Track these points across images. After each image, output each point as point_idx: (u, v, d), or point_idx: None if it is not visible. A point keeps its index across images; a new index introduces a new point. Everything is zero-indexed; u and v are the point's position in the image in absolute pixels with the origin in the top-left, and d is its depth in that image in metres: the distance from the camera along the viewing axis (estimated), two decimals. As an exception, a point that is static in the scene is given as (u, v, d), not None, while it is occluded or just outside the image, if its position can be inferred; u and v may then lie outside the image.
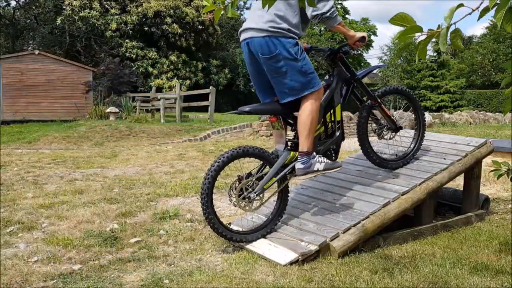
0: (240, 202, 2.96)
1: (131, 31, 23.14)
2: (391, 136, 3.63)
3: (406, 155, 3.68)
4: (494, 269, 2.64)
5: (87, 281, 2.48)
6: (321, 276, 2.54)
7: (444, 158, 3.67)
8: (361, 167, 3.83)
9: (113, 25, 23.19)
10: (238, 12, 31.85)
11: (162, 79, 23.66)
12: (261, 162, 3.08)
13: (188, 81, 24.39)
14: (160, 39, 23.85)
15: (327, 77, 3.27)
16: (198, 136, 11.38)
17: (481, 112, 18.38)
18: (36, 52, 19.01)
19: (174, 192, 4.58)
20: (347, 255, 2.85)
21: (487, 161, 4.17)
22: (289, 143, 3.13)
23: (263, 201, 3.02)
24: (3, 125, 15.30)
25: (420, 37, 1.38)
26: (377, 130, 3.57)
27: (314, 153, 3.02)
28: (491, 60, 33.34)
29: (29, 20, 28.23)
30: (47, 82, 18.52)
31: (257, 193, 2.96)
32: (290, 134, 3.19)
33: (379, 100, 3.44)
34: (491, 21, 35.90)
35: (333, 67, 3.26)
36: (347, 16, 34.70)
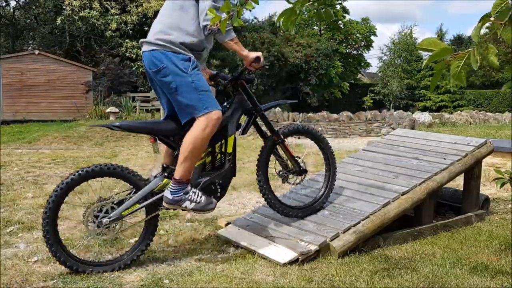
0: (90, 226, 2.60)
1: (131, 31, 23.12)
2: (298, 181, 3.25)
3: (315, 201, 3.26)
4: (494, 269, 2.64)
5: (87, 281, 2.48)
6: (321, 276, 2.54)
7: (444, 158, 3.67)
8: (361, 167, 3.83)
9: (113, 25, 23.19)
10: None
11: (162, 79, 23.60)
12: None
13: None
14: (160, 39, 23.83)
15: (225, 103, 2.95)
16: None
17: (481, 112, 18.38)
18: (36, 52, 19.00)
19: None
20: (347, 255, 2.84)
21: (487, 161, 4.17)
22: (167, 169, 2.78)
23: (120, 229, 2.70)
24: (3, 125, 15.30)
25: (451, 60, 1.34)
26: (280, 173, 3.21)
27: (189, 187, 2.67)
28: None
29: (29, 20, 28.21)
30: (47, 82, 18.51)
31: (111, 219, 2.60)
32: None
33: (282, 137, 3.10)
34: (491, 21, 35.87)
35: (234, 94, 2.99)
36: (346, 16, 34.65)
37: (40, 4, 26.67)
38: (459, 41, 37.39)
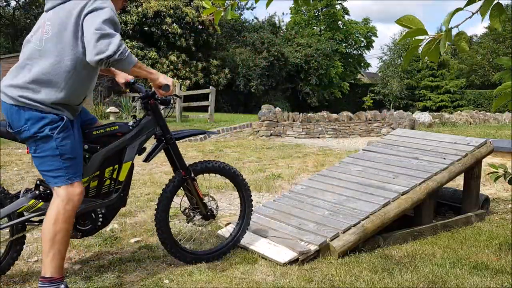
0: None
1: (131, 31, 23.12)
2: (203, 224, 2.86)
3: (224, 246, 2.91)
4: (494, 269, 2.64)
5: (87, 281, 2.48)
6: (321, 276, 2.54)
7: (444, 158, 3.67)
8: (361, 167, 3.83)
9: (113, 25, 23.16)
10: (239, 12, 31.85)
11: (162, 79, 23.61)
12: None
13: (188, 81, 24.39)
14: (160, 39, 23.85)
15: (131, 122, 2.54)
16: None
17: (481, 112, 18.38)
18: (36, 52, 19.01)
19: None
20: (347, 255, 2.85)
21: (487, 161, 4.17)
22: (41, 188, 2.37)
23: None
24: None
25: (425, 40, 1.38)
26: (186, 211, 2.80)
27: (64, 283, 2.20)
28: (490, 60, 33.34)
29: (29, 20, 28.21)
30: (47, 82, 18.52)
31: None
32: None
33: (192, 175, 2.70)
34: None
35: (144, 114, 2.61)
36: (346, 16, 34.66)
37: (40, 4, 26.67)
38: (459, 41, 37.29)
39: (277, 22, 30.97)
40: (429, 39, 1.38)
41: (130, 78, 2.69)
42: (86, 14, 2.09)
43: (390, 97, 32.64)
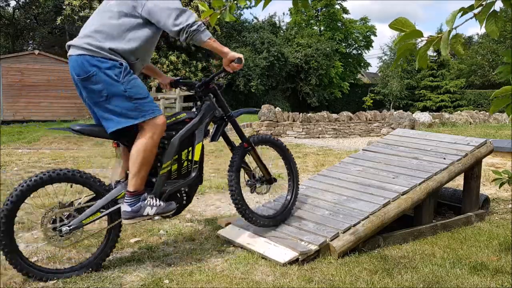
0: (48, 234, 2.47)
1: (131, 31, 23.13)
2: (265, 190, 3.17)
3: (284, 209, 3.20)
4: (494, 269, 2.64)
5: (87, 281, 2.48)
6: (321, 276, 2.54)
7: (444, 158, 3.67)
8: (361, 167, 3.83)
9: (113, 25, 23.15)
10: (238, 12, 31.82)
11: (162, 79, 23.62)
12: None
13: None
14: (160, 39, 23.85)
15: (193, 109, 2.89)
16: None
17: (481, 112, 18.38)
18: (36, 52, 19.00)
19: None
20: (347, 255, 2.85)
21: (487, 161, 4.18)
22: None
23: (80, 238, 2.59)
24: (3, 125, 15.30)
25: (420, 42, 1.37)
26: (249, 182, 3.11)
27: (146, 194, 2.59)
28: (490, 60, 33.35)
29: (29, 20, 28.21)
30: (47, 82, 18.52)
31: (72, 227, 2.49)
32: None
33: (253, 144, 3.03)
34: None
35: (203, 99, 2.89)
36: (345, 15, 34.65)
37: (40, 4, 26.68)
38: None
39: (277, 22, 30.97)
40: (425, 41, 1.37)
41: (173, 78, 3.00)
42: None
43: (390, 97, 32.63)
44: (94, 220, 2.57)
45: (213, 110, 2.89)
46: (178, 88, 3.07)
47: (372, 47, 36.69)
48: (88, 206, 2.57)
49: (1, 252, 2.40)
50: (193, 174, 2.80)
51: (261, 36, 27.08)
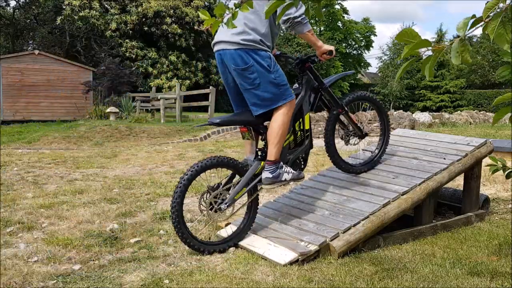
0: (212, 214, 2.94)
1: (131, 31, 23.13)
2: (356, 142, 3.67)
3: (371, 160, 3.71)
4: (494, 269, 2.64)
5: (87, 281, 2.48)
6: (321, 276, 2.54)
7: (444, 158, 3.67)
8: (361, 167, 3.82)
9: (113, 25, 23.18)
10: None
11: (162, 79, 23.67)
12: (230, 172, 3.06)
13: (188, 81, 24.40)
14: (160, 39, 23.85)
15: (296, 85, 3.26)
16: (198, 136, 11.38)
17: (481, 112, 18.38)
18: (36, 52, 19.01)
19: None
20: (347, 255, 2.85)
21: (487, 161, 4.17)
22: (259, 153, 3.12)
23: (234, 211, 3.02)
24: (3, 125, 15.29)
25: (426, 52, 1.34)
26: (343, 136, 3.60)
27: (282, 163, 3.02)
28: (490, 60, 33.35)
29: (29, 20, 28.21)
30: (47, 82, 18.53)
31: (227, 204, 2.94)
32: (261, 143, 3.16)
33: (346, 108, 3.43)
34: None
35: (301, 75, 3.26)
36: (345, 15, 34.64)
37: (40, 4, 26.69)
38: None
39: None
40: (434, 49, 1.34)
41: (276, 51, 3.29)
42: None
43: (390, 97, 32.64)
44: (242, 195, 2.98)
45: (311, 84, 3.26)
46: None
47: (372, 47, 36.73)
48: (232, 185, 3.00)
49: (0, 252, 2.40)
50: (306, 142, 3.23)
51: (261, 36, 27.08)
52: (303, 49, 27.71)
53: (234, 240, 3.02)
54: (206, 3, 25.50)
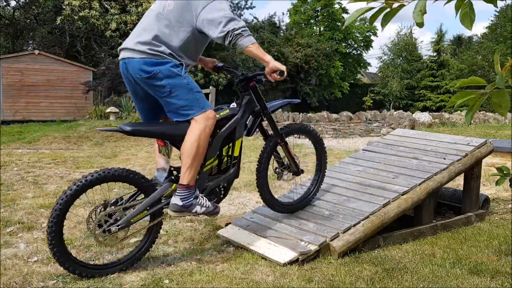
0: (98, 235, 2.52)
1: (131, 31, 23.12)
2: (290, 178, 3.29)
3: (304, 198, 3.33)
4: (494, 269, 2.64)
5: (87, 281, 2.48)
6: (321, 276, 2.54)
7: (444, 158, 3.67)
8: (361, 167, 3.83)
9: (113, 25, 23.16)
10: (238, 12, 31.79)
11: (162, 79, 23.61)
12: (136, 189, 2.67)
13: (188, 81, 24.36)
14: (160, 39, 23.83)
15: (233, 104, 2.93)
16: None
17: (481, 112, 18.37)
18: (36, 52, 19.00)
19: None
20: (347, 255, 2.85)
21: (487, 161, 4.18)
22: (174, 173, 2.75)
23: (127, 235, 2.64)
24: (3, 125, 15.29)
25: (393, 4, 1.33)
26: (277, 169, 3.24)
27: (197, 191, 2.67)
28: (490, 60, 33.31)
29: (29, 20, 28.20)
30: (47, 82, 18.52)
31: (120, 226, 2.55)
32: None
33: (285, 139, 3.12)
34: (491, 20, 35.91)
35: (243, 95, 2.94)
36: (344, 15, 34.62)
37: (40, 4, 26.68)
38: (459, 41, 37.36)
39: (277, 22, 30.97)
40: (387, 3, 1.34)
41: (218, 63, 3.09)
42: (207, 5, 2.60)
43: (390, 97, 32.63)
44: (141, 219, 2.64)
45: (252, 106, 2.96)
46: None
47: (372, 47, 36.69)
48: (135, 204, 2.62)
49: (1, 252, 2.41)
50: (232, 170, 2.89)
51: (261, 36, 27.09)
52: (303, 49, 27.69)
53: (121, 266, 2.61)
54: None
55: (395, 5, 1.30)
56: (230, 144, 2.84)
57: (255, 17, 37.93)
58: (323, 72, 28.40)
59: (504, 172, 2.61)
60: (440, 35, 34.13)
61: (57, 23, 23.67)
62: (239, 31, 2.56)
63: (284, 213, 3.23)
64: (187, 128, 2.61)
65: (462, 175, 3.81)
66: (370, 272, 2.59)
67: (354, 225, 2.95)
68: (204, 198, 2.70)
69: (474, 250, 3.00)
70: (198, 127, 2.58)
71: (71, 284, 2.44)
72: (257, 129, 3.07)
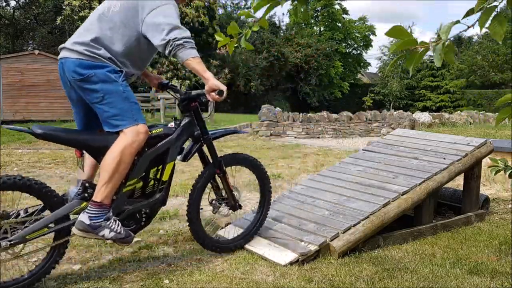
0: None
1: (131, 31, 23.13)
2: (226, 213, 2.99)
3: (243, 237, 3.01)
4: (494, 269, 2.64)
5: (87, 281, 2.48)
6: (321, 276, 2.54)
7: (444, 158, 3.67)
8: (361, 167, 3.83)
9: (113, 25, 23.16)
10: (238, 12, 31.79)
11: (162, 79, 23.68)
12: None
13: (187, 81, 24.40)
14: (160, 39, 23.85)
15: (172, 124, 2.68)
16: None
17: (481, 112, 18.38)
18: (36, 52, 18.99)
19: (174, 192, 4.58)
20: (347, 255, 2.85)
21: (487, 161, 4.17)
22: (88, 190, 2.45)
23: (18, 252, 2.29)
24: (3, 125, 15.31)
25: (414, 49, 1.38)
26: (214, 201, 2.93)
27: (111, 213, 2.37)
28: (490, 60, 33.34)
29: (28, 20, 28.21)
30: (47, 82, 18.51)
31: (12, 242, 2.22)
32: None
33: (224, 170, 2.85)
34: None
35: (183, 115, 2.71)
36: (345, 16, 34.64)
37: (40, 4, 26.68)
38: (459, 41, 37.37)
39: (277, 22, 30.99)
40: (421, 49, 1.38)
41: (163, 79, 2.86)
42: (154, 9, 2.42)
43: (390, 97, 32.64)
44: (40, 236, 2.32)
45: (192, 129, 2.71)
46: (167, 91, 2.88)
47: (372, 46, 36.70)
48: (36, 219, 2.31)
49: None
50: (158, 195, 2.58)
51: (261, 36, 27.10)
52: (303, 49, 27.70)
53: (18, 286, 2.31)
54: (206, 3, 25.50)
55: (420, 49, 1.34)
56: (160, 167, 2.56)
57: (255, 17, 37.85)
58: (323, 72, 28.42)
59: (506, 165, 2.61)
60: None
61: (57, 23, 23.68)
62: (181, 41, 2.36)
63: (216, 252, 2.90)
64: (114, 141, 2.36)
65: (462, 175, 3.81)
66: (370, 272, 2.59)
67: (354, 225, 2.95)
68: (117, 222, 2.39)
69: (474, 250, 3.00)
70: (125, 141, 2.34)
71: (71, 284, 2.44)
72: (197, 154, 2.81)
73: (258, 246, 2.93)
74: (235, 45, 1.93)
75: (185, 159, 2.73)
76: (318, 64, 27.70)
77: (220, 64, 25.79)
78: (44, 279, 2.43)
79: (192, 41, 2.42)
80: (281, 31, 31.09)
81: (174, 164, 2.63)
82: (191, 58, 2.40)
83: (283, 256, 2.75)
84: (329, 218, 3.10)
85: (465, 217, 3.67)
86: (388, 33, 1.36)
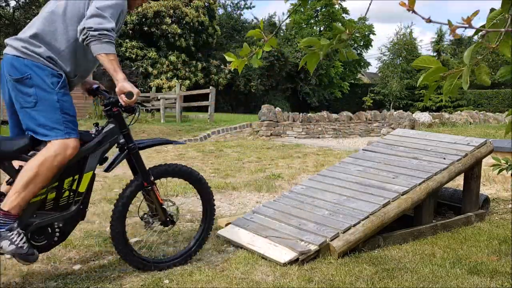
0: None
1: (130, 31, 23.11)
2: (158, 229, 2.77)
3: (181, 255, 2.77)
4: (494, 269, 2.64)
5: (87, 281, 2.48)
6: (321, 276, 2.54)
7: (444, 158, 3.67)
8: (361, 167, 3.83)
9: (113, 25, 23.17)
10: (238, 12, 31.81)
11: (161, 79, 23.69)
12: None
13: (187, 81, 24.40)
14: (160, 39, 23.85)
15: (93, 130, 2.45)
16: (198, 136, 11.37)
17: (481, 112, 18.38)
18: (36, 52, 18.98)
19: (174, 192, 4.58)
20: (347, 255, 2.85)
21: (487, 161, 4.17)
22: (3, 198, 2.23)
23: None
24: (3, 125, 15.28)
25: (446, 77, 1.38)
26: (145, 216, 2.70)
27: (15, 224, 2.16)
28: (490, 60, 33.34)
29: (28, 20, 28.19)
30: (47, 82, 18.50)
31: None
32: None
33: (153, 182, 2.61)
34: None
35: (107, 122, 2.48)
36: (345, 15, 34.64)
37: (40, 4, 26.68)
38: (459, 41, 37.38)
39: (277, 22, 30.99)
40: (448, 75, 1.38)
41: (94, 85, 2.64)
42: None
43: (390, 97, 32.64)
44: None
45: (116, 136, 2.48)
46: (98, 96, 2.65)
47: (372, 46, 36.71)
48: None
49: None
50: (73, 208, 2.35)
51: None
52: (303, 49, 27.70)
53: None
54: (206, 3, 25.51)
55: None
56: (76, 177, 2.34)
57: (255, 17, 37.97)
58: (323, 72, 28.43)
59: (509, 163, 2.61)
60: (441, 35, 34.15)
61: (57, 23, 23.63)
62: (96, 32, 2.17)
63: (154, 270, 2.63)
64: (20, 145, 2.20)
65: (462, 175, 3.81)
66: (370, 272, 2.59)
67: (354, 225, 2.95)
68: (21, 235, 2.16)
69: (474, 250, 3.00)
70: (47, 153, 2.17)
71: (71, 284, 2.44)
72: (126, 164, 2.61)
73: (258, 245, 2.93)
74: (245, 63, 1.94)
75: (107, 169, 2.51)
76: (318, 64, 27.74)
77: (220, 64, 25.79)
78: (44, 279, 2.43)
79: (112, 35, 2.22)
80: (281, 31, 31.09)
81: (94, 175, 2.41)
82: (104, 53, 2.21)
83: (283, 254, 2.75)
84: (329, 218, 3.10)
85: (465, 217, 3.67)
86: (415, 65, 1.35)
